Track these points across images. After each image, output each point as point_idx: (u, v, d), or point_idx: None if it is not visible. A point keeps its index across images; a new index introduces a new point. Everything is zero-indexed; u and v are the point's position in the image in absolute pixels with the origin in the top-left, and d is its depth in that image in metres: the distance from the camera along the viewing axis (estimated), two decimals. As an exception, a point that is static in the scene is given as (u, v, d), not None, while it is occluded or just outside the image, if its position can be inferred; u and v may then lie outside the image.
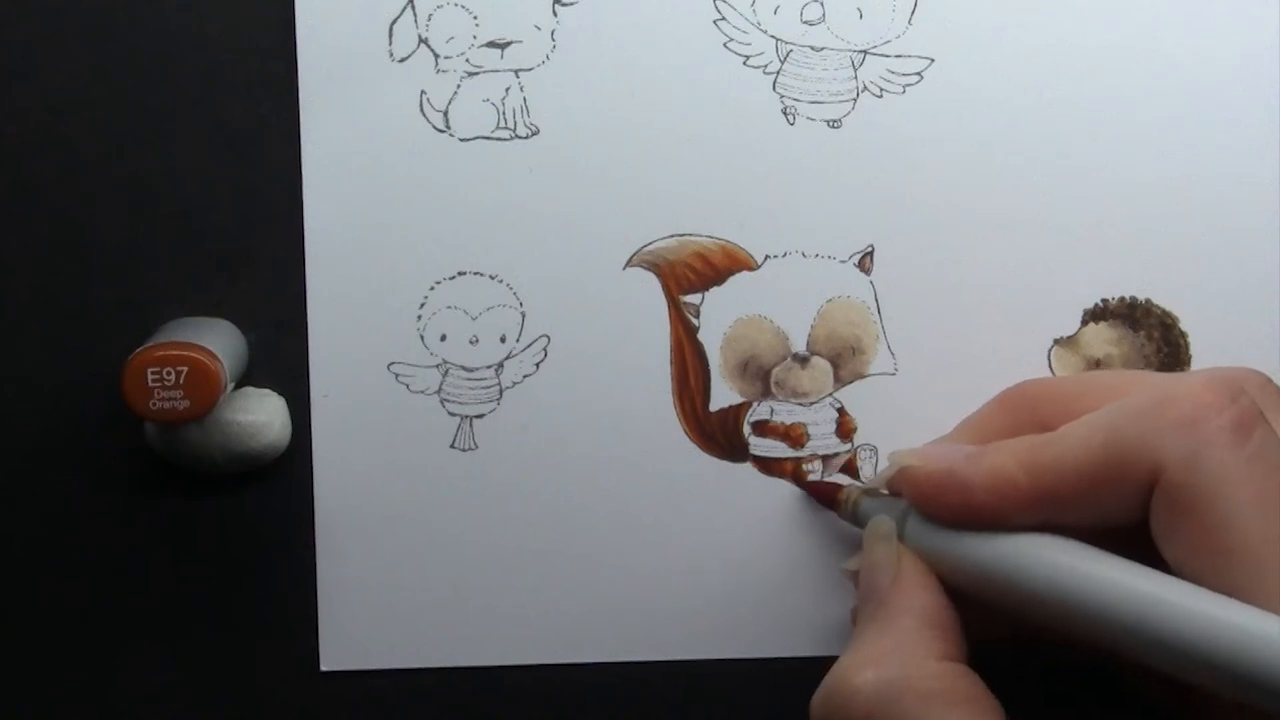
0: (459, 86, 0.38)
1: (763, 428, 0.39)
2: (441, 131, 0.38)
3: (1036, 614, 0.31)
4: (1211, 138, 0.39)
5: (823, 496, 0.38)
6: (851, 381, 0.39)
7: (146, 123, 0.38)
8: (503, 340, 0.39)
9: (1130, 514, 0.30)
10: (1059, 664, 0.35)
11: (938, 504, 0.33)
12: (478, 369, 0.39)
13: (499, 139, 0.38)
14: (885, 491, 0.36)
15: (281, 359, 0.39)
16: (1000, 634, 0.33)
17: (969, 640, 0.32)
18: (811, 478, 0.39)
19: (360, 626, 0.39)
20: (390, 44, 0.38)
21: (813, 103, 0.39)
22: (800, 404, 0.39)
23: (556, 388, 0.39)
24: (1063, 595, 0.30)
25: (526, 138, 0.38)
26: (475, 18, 0.38)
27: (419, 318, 0.39)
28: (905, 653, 0.31)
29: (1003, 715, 0.30)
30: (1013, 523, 0.31)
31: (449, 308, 0.39)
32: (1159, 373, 0.33)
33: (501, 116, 0.38)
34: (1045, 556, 0.31)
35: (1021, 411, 0.35)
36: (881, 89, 0.39)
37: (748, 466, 0.39)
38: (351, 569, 0.39)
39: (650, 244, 0.39)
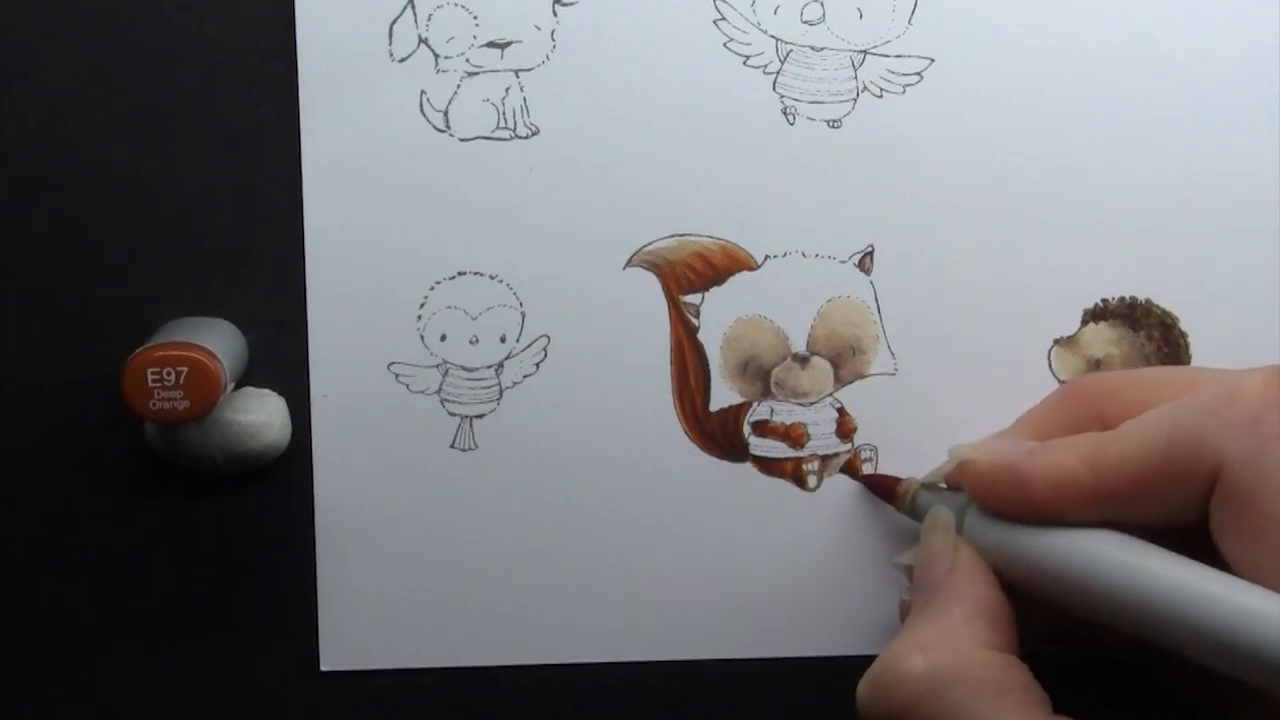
0: (459, 86, 0.38)
1: (763, 428, 0.39)
2: (441, 131, 0.38)
3: (1093, 609, 0.31)
4: (1211, 138, 0.39)
5: (880, 490, 0.38)
6: (851, 381, 0.39)
7: (146, 123, 0.38)
8: (503, 340, 0.39)
9: (1191, 512, 0.30)
10: (1099, 659, 0.35)
11: (998, 498, 0.33)
12: (478, 369, 0.39)
13: (499, 139, 0.38)
14: (944, 485, 0.36)
15: (281, 359, 0.39)
16: (1051, 629, 0.33)
17: (1021, 634, 0.32)
18: (804, 467, 0.39)
19: (360, 626, 0.39)
20: (390, 44, 0.38)
21: (813, 103, 0.39)
22: (800, 404, 0.39)
23: (556, 388, 0.39)
24: (1120, 591, 0.30)
25: (526, 138, 0.38)
26: (475, 18, 0.38)
27: (419, 318, 0.39)
28: (957, 641, 0.31)
29: (1049, 707, 0.30)
30: (1072, 519, 0.31)
31: (449, 308, 0.39)
32: (1222, 369, 0.33)
33: (501, 116, 0.38)
34: (1104, 552, 0.31)
35: (1081, 407, 0.35)
36: (881, 89, 0.39)
37: (748, 466, 0.39)
38: (351, 569, 0.39)
39: (650, 244, 0.39)
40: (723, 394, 0.39)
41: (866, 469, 0.39)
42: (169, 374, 0.34)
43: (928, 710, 0.30)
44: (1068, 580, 0.31)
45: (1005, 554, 0.33)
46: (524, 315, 0.39)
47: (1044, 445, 0.32)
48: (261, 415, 0.38)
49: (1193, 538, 0.30)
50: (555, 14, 0.38)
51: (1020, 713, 0.29)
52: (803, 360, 0.39)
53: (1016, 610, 0.33)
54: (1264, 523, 0.28)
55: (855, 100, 0.39)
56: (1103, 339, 0.39)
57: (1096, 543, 0.31)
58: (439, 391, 0.39)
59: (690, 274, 0.39)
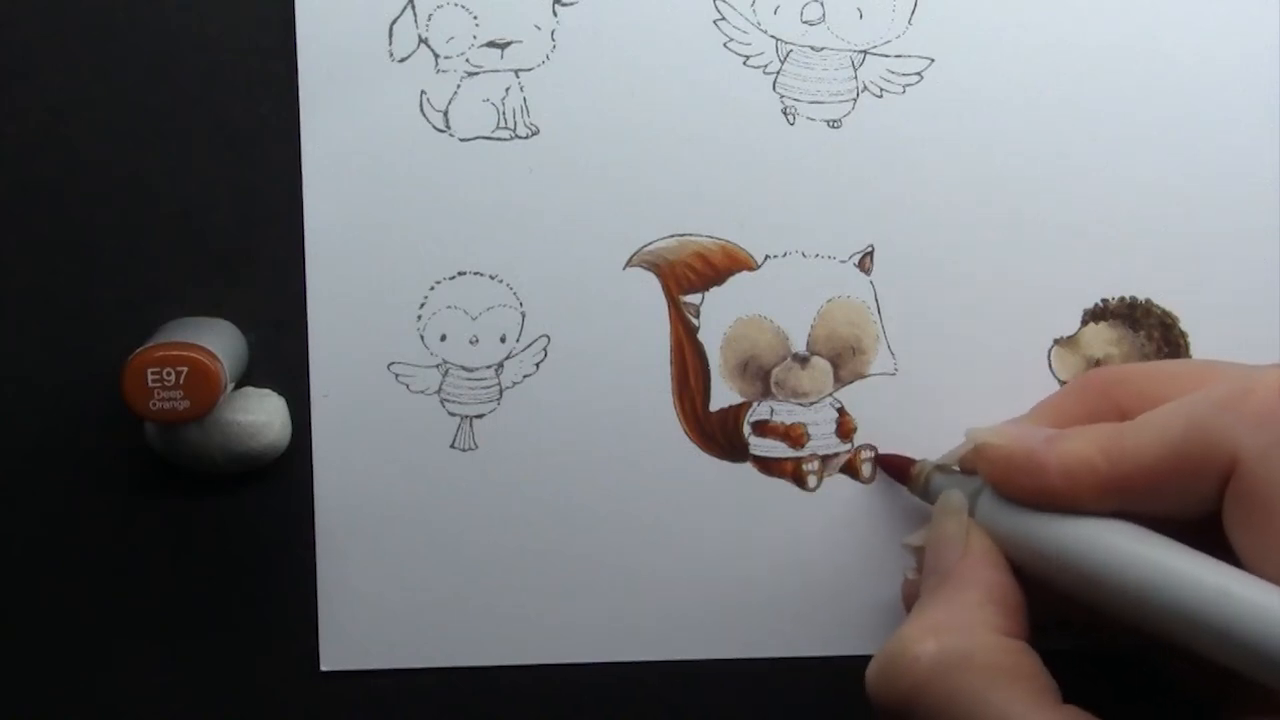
0: (459, 86, 0.38)
1: (763, 428, 0.39)
2: (441, 131, 0.38)
3: (1102, 599, 0.31)
4: (1211, 138, 0.39)
5: (893, 469, 0.38)
6: (851, 381, 0.39)
7: (146, 123, 0.38)
8: (503, 340, 0.39)
9: (1204, 505, 0.30)
10: (1107, 652, 0.35)
11: (1013, 484, 0.33)
12: (478, 369, 0.39)
13: (499, 139, 0.38)
14: (957, 468, 0.36)
15: (281, 359, 0.39)
16: (1060, 616, 0.33)
17: (1031, 620, 0.32)
18: (811, 454, 0.39)
19: (360, 626, 0.39)
20: (390, 44, 0.38)
21: (813, 103, 0.39)
22: (800, 404, 0.39)
23: (556, 388, 0.39)
24: (1130, 583, 0.30)
25: (526, 138, 0.38)
26: (475, 18, 0.38)
27: (419, 318, 0.39)
28: (968, 625, 0.31)
29: (1058, 695, 0.30)
30: (1086, 508, 0.31)
31: (449, 308, 0.39)
32: (1241, 364, 0.33)
33: (501, 116, 0.38)
34: (1115, 543, 0.31)
35: (1098, 397, 0.35)
36: (881, 89, 0.39)
37: (748, 466, 0.39)
38: (351, 569, 0.39)
39: (650, 244, 0.39)
40: (723, 394, 0.39)
41: (866, 469, 0.39)
42: (169, 374, 0.34)
43: (937, 693, 0.30)
44: (1079, 569, 0.31)
45: (1017, 540, 0.33)
46: (524, 315, 0.39)
47: (1062, 433, 0.32)
48: (261, 415, 0.38)
49: (1206, 532, 0.30)
50: (555, 14, 0.38)
51: (1029, 699, 0.29)
52: (803, 360, 0.39)
53: (1026, 596, 0.33)
54: (1277, 519, 0.28)
55: (855, 100, 0.39)
56: (1103, 339, 0.39)
57: (1109, 533, 0.31)
58: (439, 391, 0.39)
59: (690, 274, 0.39)
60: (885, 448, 0.39)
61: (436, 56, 0.38)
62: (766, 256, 0.39)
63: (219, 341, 0.36)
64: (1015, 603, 0.32)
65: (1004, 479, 0.33)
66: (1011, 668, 0.30)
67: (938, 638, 0.31)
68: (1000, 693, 0.29)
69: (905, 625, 0.32)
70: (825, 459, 0.39)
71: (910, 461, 0.38)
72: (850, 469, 0.39)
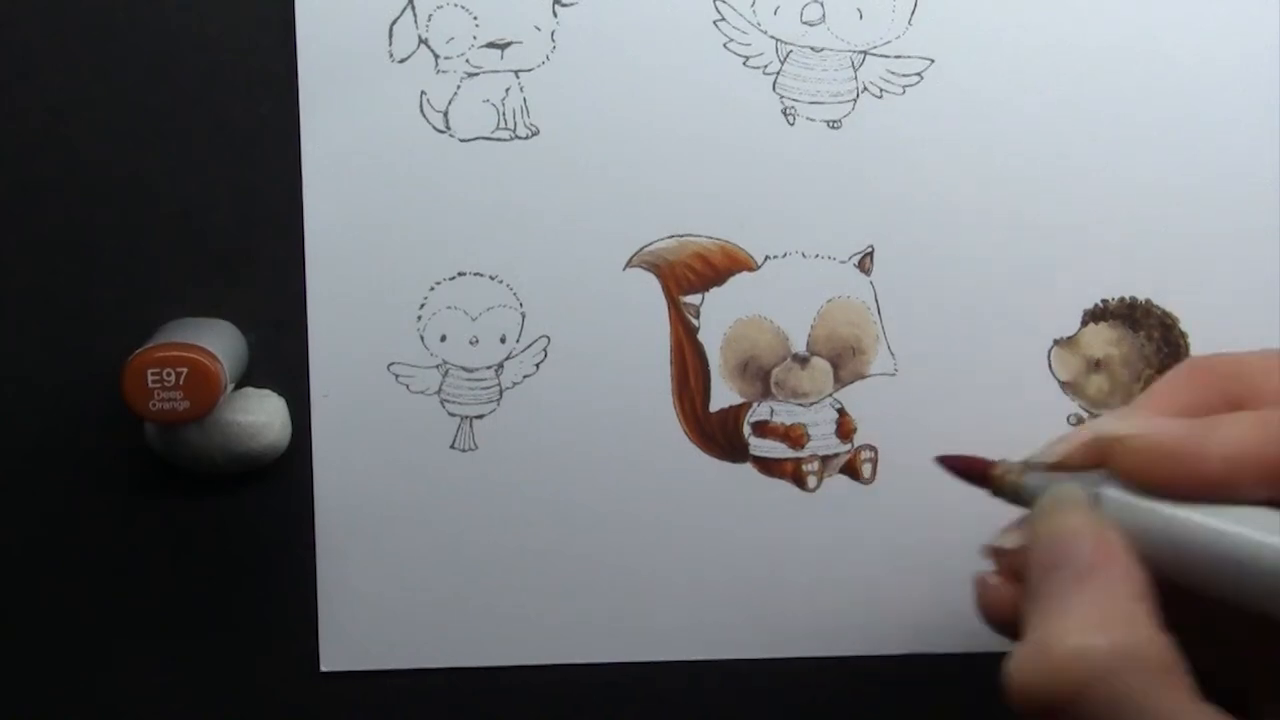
0: (459, 87, 0.38)
1: (763, 428, 0.39)
2: (441, 132, 0.38)
3: (1257, 591, 0.29)
4: (1211, 138, 0.39)
5: (965, 471, 0.37)
6: (851, 382, 0.39)
7: (146, 123, 0.38)
8: (503, 340, 0.39)
9: None
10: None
11: (1162, 474, 0.31)
12: (478, 369, 0.39)
13: (499, 139, 0.38)
14: (1045, 466, 0.35)
15: (281, 359, 0.39)
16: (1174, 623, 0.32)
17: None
18: (807, 463, 0.39)
19: (360, 626, 0.39)
20: (390, 44, 0.38)
21: (813, 103, 0.39)
22: (800, 404, 0.39)
23: (556, 388, 0.39)
24: None
25: (526, 138, 0.38)
26: (475, 18, 0.38)
27: (419, 318, 0.39)
28: (1132, 620, 0.29)
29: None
30: (1243, 496, 0.30)
31: (449, 308, 0.39)
32: None
33: (501, 117, 0.38)
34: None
35: (1208, 387, 0.34)
36: (881, 89, 0.39)
37: (748, 467, 0.39)
38: (351, 569, 0.39)
39: (650, 244, 0.39)
40: (723, 394, 0.39)
41: (866, 470, 0.39)
42: (169, 374, 0.34)
43: (1104, 691, 0.28)
44: (1229, 560, 0.29)
45: (1153, 535, 0.31)
46: (524, 315, 0.39)
47: (1218, 420, 0.31)
48: (261, 415, 0.38)
49: None
50: (555, 14, 0.38)
51: (1188, 699, 0.28)
52: (803, 361, 0.39)
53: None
54: None
55: (855, 101, 0.39)
56: (1103, 339, 0.39)
57: (1270, 518, 0.29)
58: (439, 392, 0.39)
59: (690, 274, 0.39)
60: (885, 448, 0.39)
61: (436, 57, 0.38)
62: (766, 257, 0.39)
63: (219, 342, 0.36)
64: (1153, 599, 0.31)
65: (1150, 470, 0.31)
66: (1174, 665, 0.29)
67: (1107, 633, 0.29)
68: (1168, 693, 0.28)
69: (1052, 622, 0.30)
70: (825, 459, 0.39)
71: (986, 463, 0.36)
72: (850, 469, 0.39)
